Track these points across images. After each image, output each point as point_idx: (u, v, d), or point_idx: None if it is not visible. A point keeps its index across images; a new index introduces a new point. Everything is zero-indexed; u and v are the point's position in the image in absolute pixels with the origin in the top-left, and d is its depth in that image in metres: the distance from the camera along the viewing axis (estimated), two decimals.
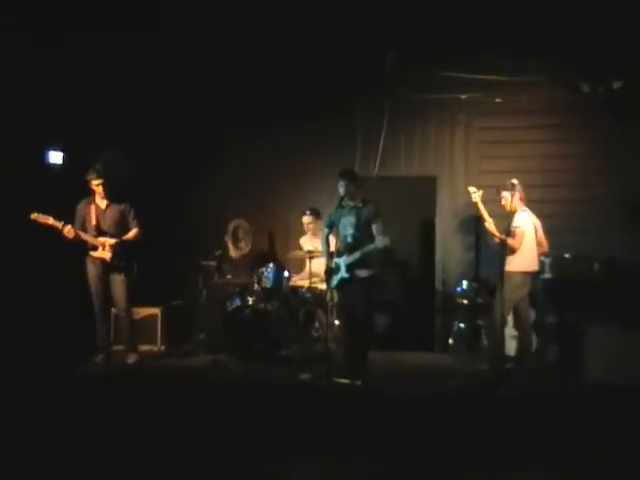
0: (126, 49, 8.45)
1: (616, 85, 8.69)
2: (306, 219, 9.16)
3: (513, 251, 7.75)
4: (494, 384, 7.26)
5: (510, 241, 7.72)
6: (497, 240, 7.96)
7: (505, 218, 8.01)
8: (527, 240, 7.83)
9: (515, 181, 7.81)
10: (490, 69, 8.62)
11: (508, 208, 8.00)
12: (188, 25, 7.95)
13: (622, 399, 6.64)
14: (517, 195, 7.96)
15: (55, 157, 9.40)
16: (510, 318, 8.12)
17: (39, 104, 8.79)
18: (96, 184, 8.13)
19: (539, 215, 8.57)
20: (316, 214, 9.10)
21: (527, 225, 7.85)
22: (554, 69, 8.59)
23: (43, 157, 9.28)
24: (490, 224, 7.99)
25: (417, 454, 5.46)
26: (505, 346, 8.18)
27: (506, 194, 7.99)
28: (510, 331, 8.39)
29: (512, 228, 7.77)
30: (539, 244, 7.92)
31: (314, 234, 9.07)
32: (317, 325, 8.75)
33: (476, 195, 8.02)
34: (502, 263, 7.80)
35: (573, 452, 5.40)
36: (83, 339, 8.41)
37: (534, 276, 8.02)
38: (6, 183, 8.59)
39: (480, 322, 8.83)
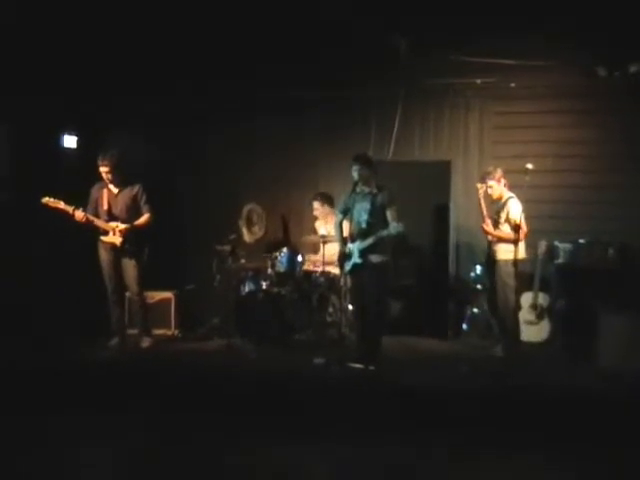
0: (141, 35, 8.44)
1: (633, 69, 8.61)
2: (314, 204, 9.18)
3: (517, 241, 7.71)
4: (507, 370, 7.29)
5: (519, 235, 7.67)
6: (492, 238, 7.99)
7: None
8: (524, 227, 7.84)
9: (530, 166, 7.74)
10: (505, 53, 8.55)
11: (496, 197, 8.04)
12: (204, 13, 7.92)
13: (635, 386, 6.63)
14: (503, 182, 7.99)
15: (70, 141, 9.43)
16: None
17: (53, 88, 8.82)
18: (103, 171, 8.12)
19: (554, 200, 8.61)
20: (324, 200, 9.09)
21: (519, 212, 7.79)
22: (570, 53, 8.51)
23: (58, 141, 9.32)
24: (488, 225, 8.00)
25: (429, 439, 5.49)
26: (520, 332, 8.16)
27: (492, 183, 8.01)
28: (525, 317, 8.40)
29: (513, 220, 7.74)
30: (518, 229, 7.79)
31: (324, 219, 9.06)
32: (331, 310, 8.75)
33: (482, 191, 8.04)
34: (494, 251, 7.93)
35: (585, 440, 5.42)
36: (98, 323, 8.46)
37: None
38: (21, 167, 8.65)
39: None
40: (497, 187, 8.02)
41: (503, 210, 7.93)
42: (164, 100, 9.58)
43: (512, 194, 7.94)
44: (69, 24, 8.04)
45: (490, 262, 8.09)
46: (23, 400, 6.22)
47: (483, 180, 8.11)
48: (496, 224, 7.98)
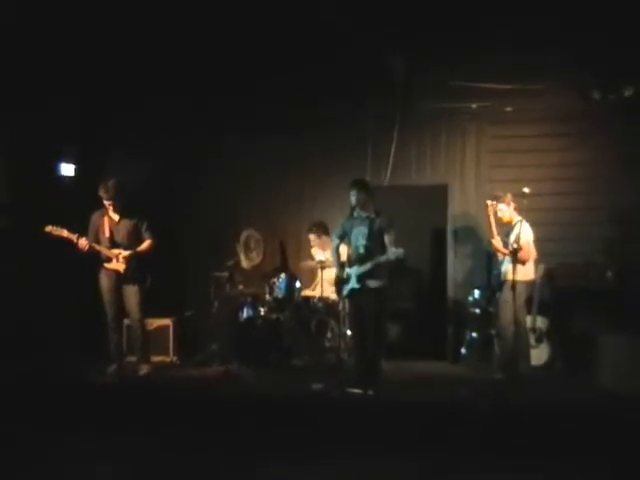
0: (139, 59, 8.48)
1: (627, 92, 8.66)
2: (310, 237, 9.21)
3: (524, 262, 7.77)
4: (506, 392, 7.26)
5: (522, 254, 7.73)
6: (501, 256, 8.04)
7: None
8: (531, 250, 7.88)
9: (527, 190, 7.78)
10: (500, 78, 8.61)
11: (506, 220, 8.10)
12: (201, 31, 7.97)
13: (634, 408, 6.60)
14: (512, 206, 8.05)
15: (67, 169, 9.46)
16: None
17: (50, 117, 8.85)
18: (107, 204, 8.16)
19: (551, 223, 8.65)
20: (319, 231, 9.09)
21: (530, 236, 7.89)
22: (565, 77, 8.57)
23: (55, 170, 9.34)
24: (498, 242, 8.05)
25: (429, 463, 5.45)
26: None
27: (502, 206, 8.10)
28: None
29: (520, 241, 7.77)
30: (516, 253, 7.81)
31: (321, 247, 9.05)
32: (329, 335, 8.74)
33: (492, 209, 8.10)
34: (506, 272, 7.92)
35: (584, 460, 5.39)
36: (97, 350, 8.45)
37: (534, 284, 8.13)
38: (20, 196, 8.67)
39: (492, 331, 8.79)
40: (507, 210, 8.10)
41: (513, 232, 7.95)
42: (160, 126, 9.63)
43: (520, 217, 7.96)
44: (63, 45, 8.07)
45: (500, 284, 8.09)
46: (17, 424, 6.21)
47: (494, 200, 8.16)
48: (506, 246, 8.00)
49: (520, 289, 7.72)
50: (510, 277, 7.78)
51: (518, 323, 7.78)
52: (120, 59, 8.40)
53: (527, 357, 7.97)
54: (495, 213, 8.15)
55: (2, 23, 7.41)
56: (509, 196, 8.09)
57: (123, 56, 8.36)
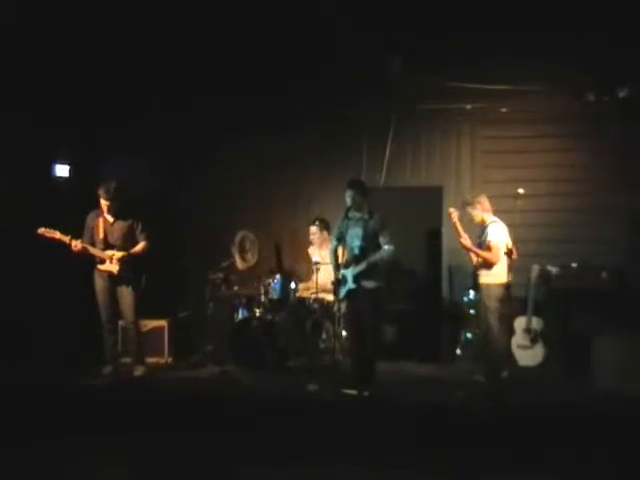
0: (134, 61, 8.48)
1: (621, 93, 8.68)
2: (311, 229, 9.16)
3: (491, 265, 7.68)
4: (496, 395, 7.23)
5: (489, 255, 7.66)
6: (472, 255, 7.93)
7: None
8: (502, 252, 7.69)
9: (521, 190, 7.77)
10: (495, 78, 8.62)
11: (477, 221, 7.97)
12: (198, 34, 7.97)
13: (629, 409, 6.61)
14: (486, 206, 7.92)
15: (61, 170, 9.44)
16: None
17: (44, 118, 8.84)
18: (105, 204, 8.13)
19: (546, 224, 8.63)
20: (322, 226, 9.07)
21: (501, 237, 7.73)
22: (559, 78, 8.58)
23: (49, 171, 9.32)
24: (465, 239, 7.90)
25: (423, 465, 5.45)
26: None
27: (471, 210, 7.97)
28: (519, 341, 8.44)
29: (489, 242, 7.70)
30: (511, 253, 7.67)
31: (319, 245, 9.05)
32: (324, 336, 8.74)
33: (455, 215, 7.95)
34: (479, 275, 7.84)
35: (578, 463, 5.39)
36: (91, 352, 8.43)
37: (508, 287, 7.83)
38: (13, 197, 8.65)
39: None
40: (476, 213, 7.94)
41: (484, 234, 7.87)
42: (156, 126, 9.62)
43: (495, 219, 7.88)
44: (62, 45, 8.07)
45: (475, 287, 8.08)
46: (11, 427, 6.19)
47: (461, 207, 8.05)
48: (479, 248, 7.89)
49: (493, 292, 7.66)
50: (482, 280, 7.76)
51: (494, 327, 7.68)
52: (118, 60, 8.42)
53: (502, 361, 7.85)
54: (458, 220, 7.93)
55: (2, 23, 7.40)
56: (479, 198, 7.92)
57: (121, 57, 8.38)
